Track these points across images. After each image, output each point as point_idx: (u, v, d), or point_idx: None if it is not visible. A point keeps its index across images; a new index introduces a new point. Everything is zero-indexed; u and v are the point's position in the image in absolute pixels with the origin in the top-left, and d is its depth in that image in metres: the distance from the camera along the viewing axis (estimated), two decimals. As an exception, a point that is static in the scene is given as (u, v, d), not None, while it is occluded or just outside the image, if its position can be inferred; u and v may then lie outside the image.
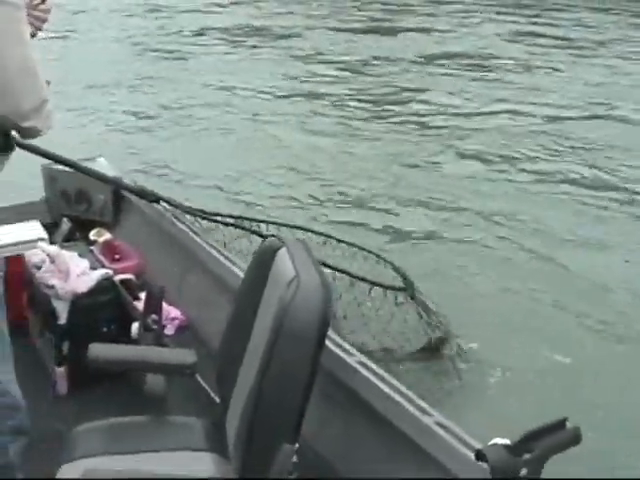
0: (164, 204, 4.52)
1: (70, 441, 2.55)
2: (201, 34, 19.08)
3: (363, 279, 4.96)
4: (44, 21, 2.69)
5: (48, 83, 2.48)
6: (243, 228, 4.72)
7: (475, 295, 6.55)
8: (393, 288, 5.10)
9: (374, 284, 5.02)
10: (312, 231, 5.18)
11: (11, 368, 2.77)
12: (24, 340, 4.15)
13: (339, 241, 5.22)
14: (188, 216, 4.47)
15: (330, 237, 5.21)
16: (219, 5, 23.19)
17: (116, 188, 4.89)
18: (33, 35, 2.60)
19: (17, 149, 2.82)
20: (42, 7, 2.66)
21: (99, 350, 2.56)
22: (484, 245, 7.60)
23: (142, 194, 4.65)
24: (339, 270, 4.83)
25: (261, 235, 4.54)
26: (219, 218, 4.73)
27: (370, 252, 5.33)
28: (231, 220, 4.76)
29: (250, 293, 2.47)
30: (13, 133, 2.51)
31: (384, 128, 11.50)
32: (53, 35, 17.39)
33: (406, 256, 7.00)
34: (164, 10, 22.53)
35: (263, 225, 4.90)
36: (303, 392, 2.09)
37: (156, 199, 4.58)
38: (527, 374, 5.46)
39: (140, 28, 19.74)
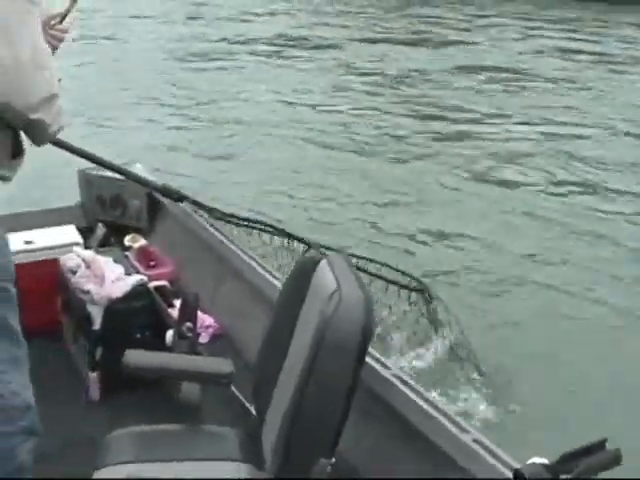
0: (196, 208, 4.56)
1: (104, 447, 2.54)
2: (237, 43, 19.23)
3: (381, 277, 4.95)
4: (60, 40, 2.70)
5: (59, 81, 2.48)
6: (261, 231, 4.75)
7: (511, 309, 6.59)
8: (410, 288, 5.09)
9: (391, 282, 5.01)
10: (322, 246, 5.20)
11: (24, 371, 2.75)
12: (58, 345, 4.16)
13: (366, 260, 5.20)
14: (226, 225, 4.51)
15: (354, 256, 5.19)
16: (256, 14, 23.34)
17: (151, 193, 4.90)
18: None
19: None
20: (59, 27, 2.69)
21: (135, 357, 2.55)
22: (529, 260, 7.69)
23: (167, 193, 4.66)
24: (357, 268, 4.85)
25: (301, 240, 4.56)
26: (246, 222, 4.76)
27: (385, 264, 5.29)
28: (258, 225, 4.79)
29: (289, 304, 2.45)
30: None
31: (420, 141, 11.54)
32: (93, 40, 17.62)
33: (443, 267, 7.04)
34: (202, 18, 22.74)
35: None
36: (342, 406, 2.06)
37: (180, 197, 4.60)
38: (562, 393, 5.42)
39: (179, 35, 19.94)
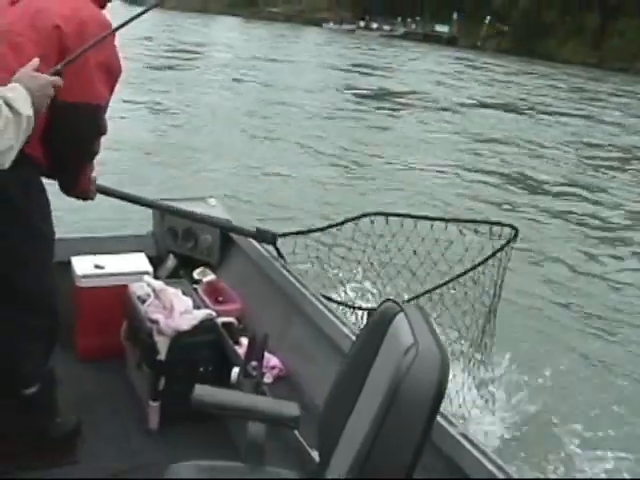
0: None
1: (166, 477, 2.55)
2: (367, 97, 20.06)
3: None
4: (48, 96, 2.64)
5: None
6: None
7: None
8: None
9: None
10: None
11: None
12: (119, 370, 4.21)
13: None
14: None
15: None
16: (373, 67, 24.19)
17: (223, 229, 4.94)
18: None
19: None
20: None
21: (205, 392, 2.56)
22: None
23: (255, 235, 4.67)
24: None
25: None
26: None
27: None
28: None
29: (363, 353, 2.44)
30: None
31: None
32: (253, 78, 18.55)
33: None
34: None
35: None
36: (410, 461, 2.05)
37: (274, 240, 4.60)
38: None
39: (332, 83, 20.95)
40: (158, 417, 3.83)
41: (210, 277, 4.77)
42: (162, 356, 3.79)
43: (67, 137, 3.06)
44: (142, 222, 5.36)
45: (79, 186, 3.38)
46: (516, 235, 4.88)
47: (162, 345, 3.79)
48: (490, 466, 2.60)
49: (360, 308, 4.70)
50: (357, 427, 2.25)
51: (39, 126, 2.87)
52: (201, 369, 3.85)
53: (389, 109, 19.15)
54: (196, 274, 4.82)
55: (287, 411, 2.58)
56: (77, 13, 3.00)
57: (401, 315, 2.34)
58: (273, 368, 3.92)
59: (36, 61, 2.61)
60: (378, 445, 2.06)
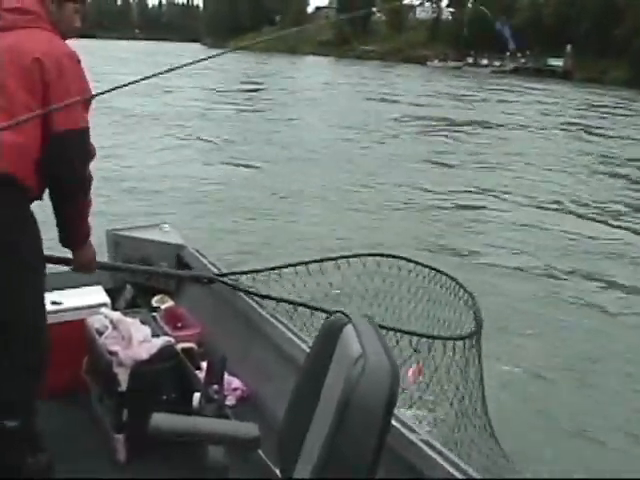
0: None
1: None
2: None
3: (423, 335, 4.77)
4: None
5: None
6: (306, 306, 4.63)
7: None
8: (456, 338, 4.87)
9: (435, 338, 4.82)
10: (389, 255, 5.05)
11: None
12: (83, 406, 4.17)
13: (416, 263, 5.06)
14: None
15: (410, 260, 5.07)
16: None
17: (179, 255, 4.93)
18: None
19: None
20: None
21: (162, 420, 2.54)
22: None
23: (197, 279, 4.68)
24: (400, 331, 4.66)
25: (325, 311, 4.48)
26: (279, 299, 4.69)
27: (450, 277, 5.11)
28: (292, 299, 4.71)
29: (315, 369, 2.44)
30: None
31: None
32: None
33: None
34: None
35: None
36: (369, 470, 2.05)
37: (210, 280, 4.60)
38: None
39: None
40: (125, 449, 3.80)
41: (169, 304, 4.77)
42: (123, 387, 3.76)
43: (60, 164, 3.11)
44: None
45: (82, 230, 3.43)
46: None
47: (122, 376, 3.76)
48: (451, 469, 2.60)
49: (318, 309, 4.60)
50: (315, 440, 2.25)
51: (33, 156, 3.03)
52: (163, 397, 3.83)
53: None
54: (155, 302, 4.82)
55: (246, 432, 2.56)
56: (52, 49, 3.13)
57: (349, 326, 2.34)
58: (235, 390, 3.92)
59: None
60: (335, 456, 2.05)
